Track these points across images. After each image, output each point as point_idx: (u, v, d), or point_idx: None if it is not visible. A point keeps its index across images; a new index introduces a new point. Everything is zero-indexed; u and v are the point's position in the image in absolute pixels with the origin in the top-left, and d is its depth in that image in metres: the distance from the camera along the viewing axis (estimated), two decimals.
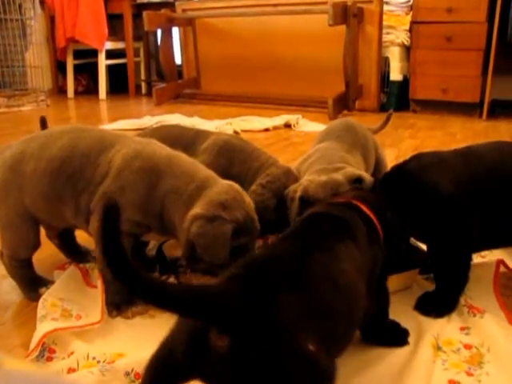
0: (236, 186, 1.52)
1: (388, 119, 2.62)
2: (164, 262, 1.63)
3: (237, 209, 1.45)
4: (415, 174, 1.54)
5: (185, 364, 0.88)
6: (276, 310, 0.84)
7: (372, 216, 1.24)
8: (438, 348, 1.33)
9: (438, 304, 1.50)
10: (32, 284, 1.60)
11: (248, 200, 1.52)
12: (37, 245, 1.59)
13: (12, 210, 1.52)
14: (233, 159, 1.92)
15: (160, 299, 0.82)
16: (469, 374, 1.23)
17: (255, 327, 0.81)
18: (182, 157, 1.53)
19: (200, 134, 2.02)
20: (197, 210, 1.41)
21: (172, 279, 1.51)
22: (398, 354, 1.28)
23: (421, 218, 1.49)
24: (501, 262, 1.70)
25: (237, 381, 0.82)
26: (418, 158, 1.59)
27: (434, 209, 1.48)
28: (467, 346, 1.34)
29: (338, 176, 1.70)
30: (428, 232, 1.52)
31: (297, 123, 4.36)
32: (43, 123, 1.99)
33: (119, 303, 1.50)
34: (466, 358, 1.30)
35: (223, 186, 1.48)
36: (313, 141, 2.20)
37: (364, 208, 1.25)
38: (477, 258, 1.75)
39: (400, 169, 1.60)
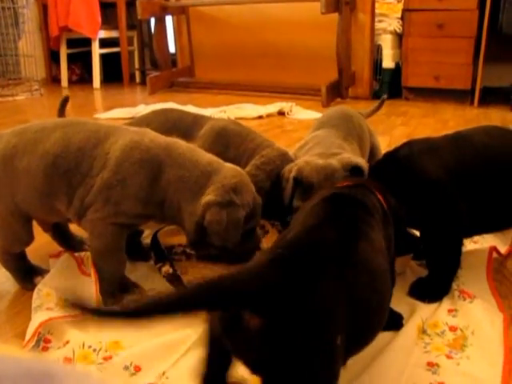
0: (239, 168, 1.54)
1: (381, 105, 2.65)
2: (159, 250, 1.63)
3: (246, 192, 1.47)
4: (406, 160, 1.55)
5: (224, 342, 0.90)
6: (315, 297, 0.86)
7: (382, 200, 1.27)
8: (423, 331, 1.34)
9: (431, 289, 1.51)
10: (27, 274, 1.60)
11: (250, 182, 1.54)
12: (30, 240, 1.57)
13: (3, 207, 1.49)
14: (228, 144, 1.92)
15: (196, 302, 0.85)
16: (448, 357, 1.24)
17: (291, 311, 0.83)
18: (181, 144, 1.51)
19: (198, 120, 2.02)
20: (210, 196, 1.41)
21: (167, 267, 1.51)
22: (380, 336, 1.27)
23: (412, 204, 1.50)
24: (494, 249, 1.72)
25: (263, 359, 0.84)
26: (409, 145, 1.60)
27: (425, 195, 1.50)
28: (452, 328, 1.36)
29: (334, 162, 1.71)
30: (420, 218, 1.53)
31: (290, 111, 4.38)
32: (64, 104, 2.02)
33: (114, 292, 1.49)
34: (449, 341, 1.31)
35: (229, 169, 1.49)
36: (306, 128, 2.22)
37: (377, 192, 1.28)
38: (470, 245, 1.77)
39: (391, 156, 1.61)
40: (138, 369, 1.22)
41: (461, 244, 1.54)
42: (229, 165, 1.52)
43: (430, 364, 1.22)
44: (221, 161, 1.52)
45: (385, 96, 2.68)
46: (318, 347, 0.84)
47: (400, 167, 1.55)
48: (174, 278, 1.46)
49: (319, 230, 1.05)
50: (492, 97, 4.85)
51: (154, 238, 1.68)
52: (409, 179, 1.51)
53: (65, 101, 2.05)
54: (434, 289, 1.52)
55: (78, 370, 0.49)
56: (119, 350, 1.29)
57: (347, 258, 0.97)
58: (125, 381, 1.20)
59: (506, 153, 1.53)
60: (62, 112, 2.06)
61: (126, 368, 1.22)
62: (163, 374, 1.21)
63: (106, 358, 1.25)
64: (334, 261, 0.94)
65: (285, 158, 1.86)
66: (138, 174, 1.41)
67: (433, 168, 1.50)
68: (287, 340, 0.82)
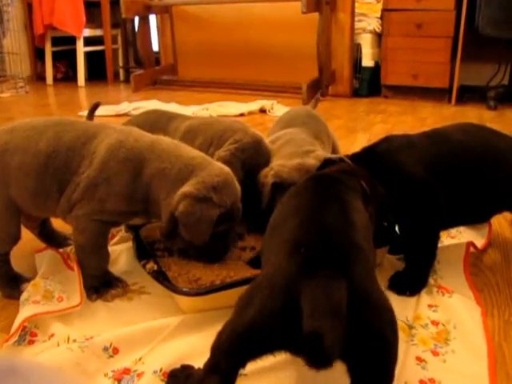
0: (227, 169, 1.52)
1: (316, 101, 2.70)
2: (142, 247, 1.62)
3: (227, 194, 1.46)
4: (385, 155, 1.57)
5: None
6: (356, 279, 0.92)
7: (364, 183, 1.32)
8: (410, 327, 1.36)
9: (411, 282, 1.54)
10: (13, 282, 1.55)
11: (237, 186, 1.52)
12: (18, 238, 1.56)
13: None
14: (196, 134, 1.88)
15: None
16: (435, 354, 1.26)
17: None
18: (166, 140, 1.53)
19: (171, 120, 1.99)
20: (188, 188, 1.41)
21: (151, 264, 1.50)
22: None
23: (390, 197, 1.51)
24: (470, 244, 1.75)
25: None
26: (388, 140, 1.62)
27: (402, 188, 1.52)
28: (434, 323, 1.38)
29: (311, 160, 1.71)
30: (398, 212, 1.55)
31: (271, 108, 4.41)
32: (94, 108, 2.07)
33: (98, 287, 1.51)
34: (433, 334, 1.33)
35: (215, 167, 1.48)
36: None
37: (360, 178, 1.34)
38: (446, 239, 1.82)
39: (370, 150, 1.63)
40: (116, 351, 1.25)
41: (437, 237, 1.57)
42: (217, 164, 1.52)
43: (419, 359, 1.24)
44: (209, 159, 1.52)
45: (318, 95, 2.79)
46: (381, 313, 0.93)
47: (378, 161, 1.56)
48: (159, 275, 1.46)
49: (319, 213, 1.09)
50: (469, 95, 4.90)
51: (136, 235, 1.68)
52: (386, 173, 1.53)
53: (95, 106, 2.09)
54: (412, 281, 1.54)
55: (44, 366, 0.48)
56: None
57: (352, 236, 1.03)
58: (102, 362, 1.22)
59: (479, 149, 1.57)
60: (91, 116, 2.10)
61: (106, 349, 1.25)
62: (140, 359, 1.23)
63: (87, 338, 1.27)
64: (346, 242, 1.01)
65: (259, 147, 1.82)
66: (122, 173, 1.43)
67: (410, 163, 1.53)
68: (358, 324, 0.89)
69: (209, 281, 1.45)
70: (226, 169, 1.52)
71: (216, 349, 1.00)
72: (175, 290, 1.40)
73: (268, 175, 1.72)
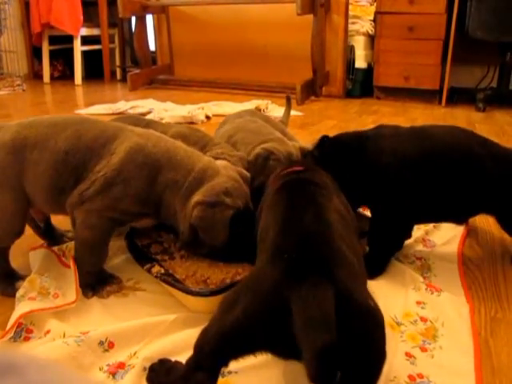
0: (234, 174, 1.57)
1: (289, 104, 2.87)
2: (139, 252, 1.62)
3: (238, 196, 1.50)
4: (367, 140, 1.64)
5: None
6: (339, 283, 0.93)
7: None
8: (398, 324, 1.37)
9: (369, 267, 1.54)
10: (8, 278, 1.55)
11: (246, 189, 1.57)
12: (21, 232, 1.56)
13: (8, 196, 1.48)
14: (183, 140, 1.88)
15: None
16: (423, 350, 1.28)
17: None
18: (180, 150, 1.55)
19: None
20: (198, 197, 1.45)
21: (157, 267, 1.50)
22: None
23: (364, 181, 1.59)
24: (462, 244, 1.82)
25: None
26: (378, 128, 1.70)
27: (375, 174, 1.58)
28: (423, 319, 1.40)
29: (292, 148, 1.86)
30: (369, 195, 1.60)
31: (266, 108, 4.42)
32: None
33: (93, 284, 1.52)
34: (421, 330, 1.35)
35: (223, 175, 1.52)
36: None
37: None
38: (437, 232, 1.88)
39: (358, 134, 1.70)
40: (111, 345, 1.26)
41: (402, 227, 1.63)
42: (224, 171, 1.55)
43: (408, 355, 1.26)
44: (217, 168, 1.55)
45: (289, 95, 2.94)
46: (363, 317, 0.95)
47: (360, 145, 1.63)
48: (168, 277, 1.45)
49: (297, 219, 1.12)
50: (458, 97, 4.97)
51: (131, 242, 1.66)
52: (365, 157, 1.59)
53: None
54: (371, 266, 1.52)
55: (41, 360, 0.48)
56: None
57: (332, 242, 1.04)
58: (97, 357, 1.23)
59: (457, 152, 1.59)
60: None
61: (101, 343, 1.25)
62: (134, 353, 1.24)
63: (83, 332, 1.28)
64: (327, 247, 1.03)
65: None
66: (140, 177, 1.46)
67: (387, 150, 1.59)
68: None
69: (219, 279, 1.45)
70: (234, 174, 1.57)
71: (200, 347, 1.02)
72: (190, 291, 1.39)
73: (275, 152, 1.81)
